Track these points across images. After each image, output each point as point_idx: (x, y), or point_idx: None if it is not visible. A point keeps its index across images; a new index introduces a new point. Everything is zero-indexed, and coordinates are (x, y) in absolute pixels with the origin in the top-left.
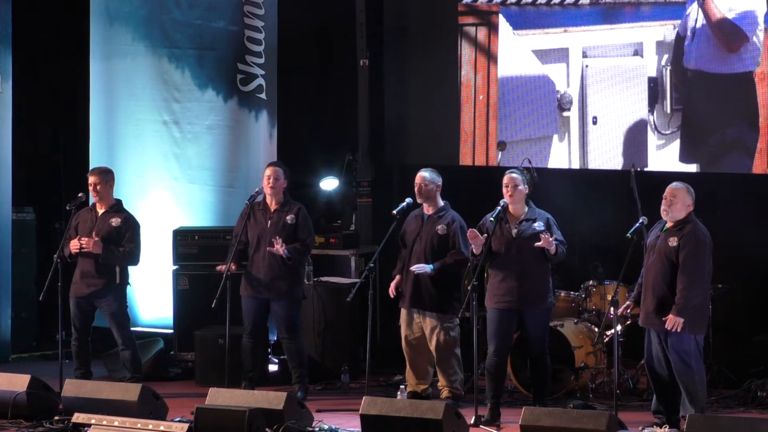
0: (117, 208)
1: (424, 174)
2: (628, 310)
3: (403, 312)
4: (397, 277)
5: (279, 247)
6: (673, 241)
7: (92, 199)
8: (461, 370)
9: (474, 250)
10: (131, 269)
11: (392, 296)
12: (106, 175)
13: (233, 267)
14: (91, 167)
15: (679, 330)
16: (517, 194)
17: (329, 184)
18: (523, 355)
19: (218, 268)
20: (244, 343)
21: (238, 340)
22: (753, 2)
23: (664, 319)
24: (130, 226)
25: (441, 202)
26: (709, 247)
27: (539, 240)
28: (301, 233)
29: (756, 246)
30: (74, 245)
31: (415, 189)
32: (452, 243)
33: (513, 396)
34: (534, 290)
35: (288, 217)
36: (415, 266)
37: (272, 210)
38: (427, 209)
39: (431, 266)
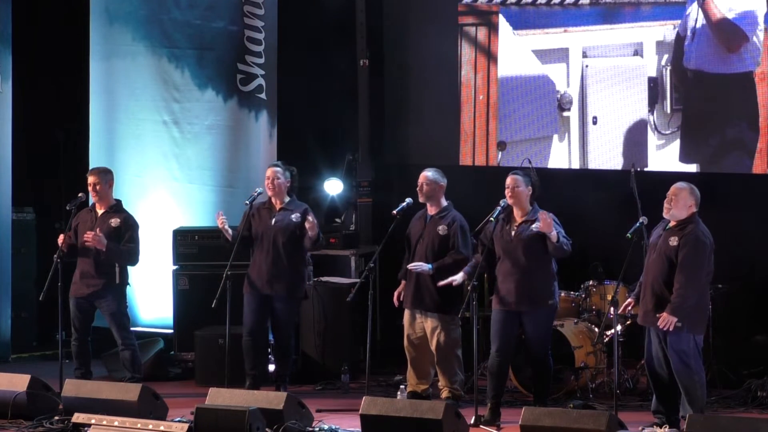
0: (117, 208)
1: (426, 173)
2: (629, 308)
3: (406, 312)
4: (402, 283)
5: None
6: (673, 241)
7: (92, 199)
8: (462, 371)
9: (458, 281)
10: (131, 269)
11: (396, 304)
12: (106, 175)
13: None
14: (91, 167)
15: (670, 329)
16: (517, 196)
17: (333, 187)
18: (524, 354)
19: (219, 222)
20: (244, 342)
21: (238, 340)
22: (753, 2)
23: (658, 315)
24: (130, 226)
25: (444, 203)
26: (710, 249)
27: (538, 240)
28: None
29: (756, 246)
30: (61, 239)
31: (417, 188)
32: (452, 243)
33: (513, 396)
34: (534, 291)
35: (293, 216)
36: (413, 264)
37: (277, 209)
38: (430, 210)
39: (430, 266)
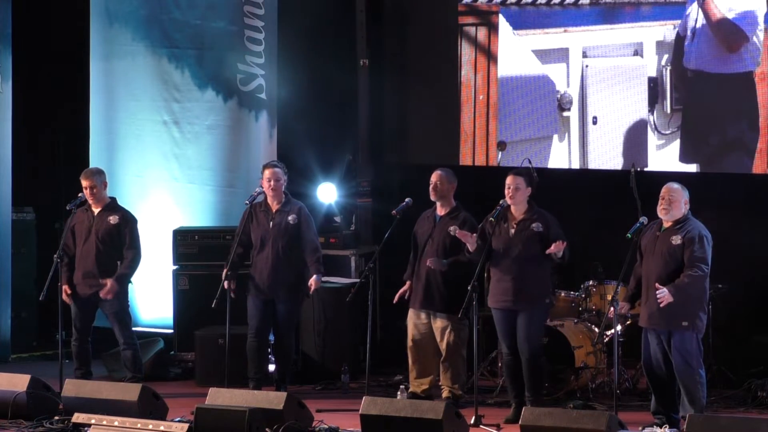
0: (112, 206)
1: (441, 172)
2: (623, 310)
3: (411, 312)
4: (407, 283)
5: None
6: (676, 240)
7: (88, 200)
8: (464, 373)
9: (468, 248)
10: None
11: (395, 302)
12: (100, 176)
13: (233, 285)
14: (85, 169)
15: (663, 305)
16: (518, 195)
17: (327, 194)
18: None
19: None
20: (249, 344)
21: (238, 340)
22: (753, 2)
23: (659, 295)
24: (128, 222)
25: (454, 203)
26: (711, 241)
27: (537, 240)
28: (308, 234)
29: (756, 246)
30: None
31: (431, 187)
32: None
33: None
34: (528, 290)
35: (290, 218)
36: (430, 260)
37: (274, 211)
38: (440, 210)
39: (444, 261)
